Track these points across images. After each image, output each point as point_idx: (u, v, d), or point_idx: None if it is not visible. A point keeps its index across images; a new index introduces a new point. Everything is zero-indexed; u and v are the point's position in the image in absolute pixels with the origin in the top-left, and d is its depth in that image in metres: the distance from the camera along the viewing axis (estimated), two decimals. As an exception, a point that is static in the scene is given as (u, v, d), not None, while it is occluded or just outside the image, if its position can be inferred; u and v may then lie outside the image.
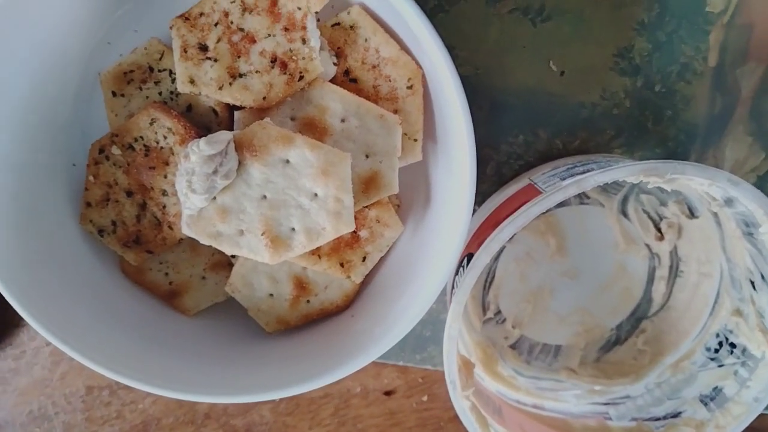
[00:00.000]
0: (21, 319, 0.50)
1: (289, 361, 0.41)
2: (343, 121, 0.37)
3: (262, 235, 0.35)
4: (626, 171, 0.36)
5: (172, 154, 0.38)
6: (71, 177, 0.41)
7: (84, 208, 0.40)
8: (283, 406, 0.53)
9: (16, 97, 0.37)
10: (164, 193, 0.38)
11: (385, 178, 0.38)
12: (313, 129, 0.37)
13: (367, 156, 0.37)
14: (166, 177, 0.38)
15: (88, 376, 0.51)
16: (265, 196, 0.36)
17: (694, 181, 0.37)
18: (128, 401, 0.52)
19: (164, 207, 0.39)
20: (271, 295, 0.41)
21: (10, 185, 0.38)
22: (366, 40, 0.38)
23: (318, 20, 0.37)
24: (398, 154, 0.38)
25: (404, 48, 0.38)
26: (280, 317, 0.42)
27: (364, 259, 0.39)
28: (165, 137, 0.37)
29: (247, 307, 0.41)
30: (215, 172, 0.34)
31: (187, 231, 0.36)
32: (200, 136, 0.37)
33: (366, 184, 0.38)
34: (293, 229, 0.36)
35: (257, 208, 0.35)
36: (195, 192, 0.35)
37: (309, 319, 0.42)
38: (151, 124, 0.37)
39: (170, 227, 0.39)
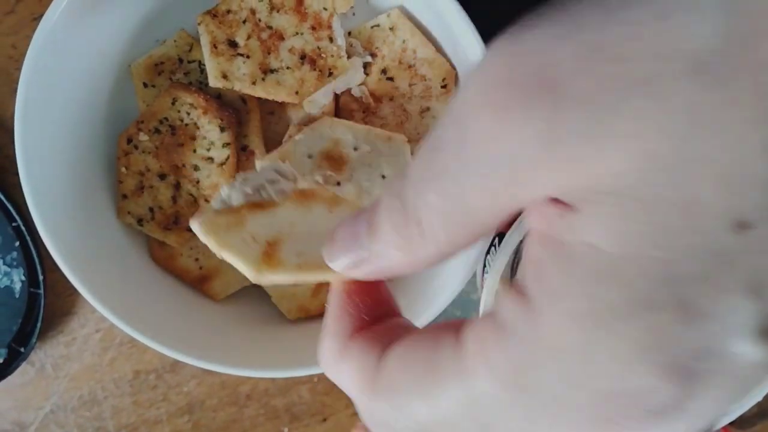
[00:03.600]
0: (72, 306, 0.53)
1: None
2: (356, 149, 0.40)
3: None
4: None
5: (197, 128, 0.39)
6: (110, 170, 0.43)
7: (120, 201, 0.42)
8: (321, 386, 0.55)
9: (63, 98, 0.39)
10: (196, 167, 0.40)
11: None
12: (332, 160, 0.39)
13: (383, 176, 0.40)
14: (195, 151, 0.40)
15: (135, 361, 0.54)
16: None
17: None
18: (173, 384, 0.55)
19: (198, 182, 0.40)
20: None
21: (63, 182, 0.40)
22: (404, 41, 0.40)
23: (352, 18, 0.39)
24: None
25: (439, 50, 0.40)
26: (302, 305, 0.44)
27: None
28: (188, 113, 0.39)
29: (271, 294, 0.43)
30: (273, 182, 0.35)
31: (194, 224, 0.31)
32: (221, 106, 0.39)
33: None
34: None
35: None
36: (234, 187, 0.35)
37: None
38: (173, 104, 0.39)
39: (207, 200, 0.41)
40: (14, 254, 0.49)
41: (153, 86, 0.41)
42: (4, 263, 0.50)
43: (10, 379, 0.52)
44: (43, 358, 0.53)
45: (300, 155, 0.39)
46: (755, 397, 0.45)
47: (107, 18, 0.38)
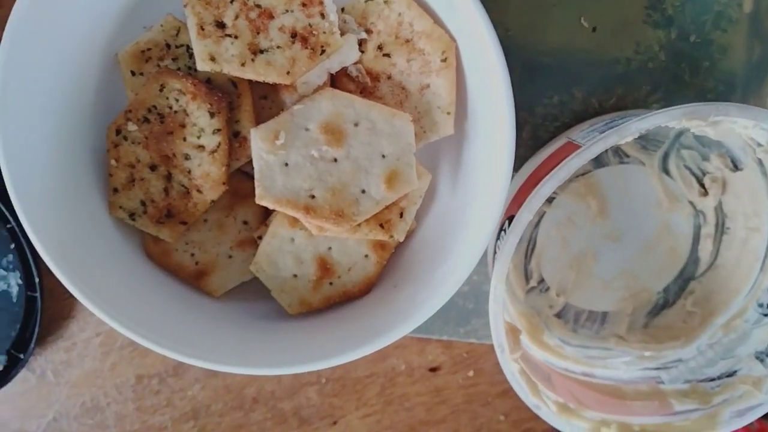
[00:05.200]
0: (71, 310, 0.51)
1: (336, 332, 0.41)
2: (356, 125, 0.38)
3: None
4: (667, 116, 0.35)
5: (187, 115, 0.38)
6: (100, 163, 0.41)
7: (111, 196, 0.40)
8: (329, 388, 0.53)
9: (45, 86, 0.38)
10: (186, 156, 0.38)
11: (403, 174, 0.38)
12: (330, 134, 0.37)
13: (383, 156, 0.38)
14: (185, 140, 0.38)
15: (137, 366, 0.52)
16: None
17: (738, 123, 0.36)
18: (177, 389, 0.53)
19: (189, 171, 0.39)
20: (295, 275, 0.41)
21: (51, 177, 0.39)
22: (399, 14, 0.38)
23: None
24: (413, 150, 0.38)
25: (437, 21, 0.38)
26: (303, 299, 0.42)
27: (401, 215, 0.39)
28: (177, 100, 0.38)
29: (270, 287, 0.41)
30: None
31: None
32: (210, 91, 0.37)
33: (388, 183, 0.38)
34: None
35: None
36: None
37: (330, 302, 0.42)
38: (161, 90, 0.38)
39: (199, 191, 0.39)
40: (10, 257, 0.48)
41: (141, 74, 0.39)
42: (0, 267, 0.48)
43: (10, 386, 0.51)
44: (43, 364, 0.52)
45: (296, 127, 0.37)
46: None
47: (89, 4, 0.37)
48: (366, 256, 0.42)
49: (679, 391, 0.47)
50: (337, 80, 0.39)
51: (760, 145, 0.40)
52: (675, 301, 0.50)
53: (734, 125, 0.36)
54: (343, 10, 0.38)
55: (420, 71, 0.38)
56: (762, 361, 0.44)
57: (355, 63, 0.39)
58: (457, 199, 0.42)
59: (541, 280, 0.49)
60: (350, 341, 0.39)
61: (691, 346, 0.48)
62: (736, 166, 0.45)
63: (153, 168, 0.39)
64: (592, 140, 0.37)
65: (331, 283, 0.42)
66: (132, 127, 0.38)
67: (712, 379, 0.46)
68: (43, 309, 0.48)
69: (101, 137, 0.40)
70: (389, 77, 0.39)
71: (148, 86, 0.38)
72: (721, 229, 0.48)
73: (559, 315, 0.50)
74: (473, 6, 0.34)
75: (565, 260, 0.49)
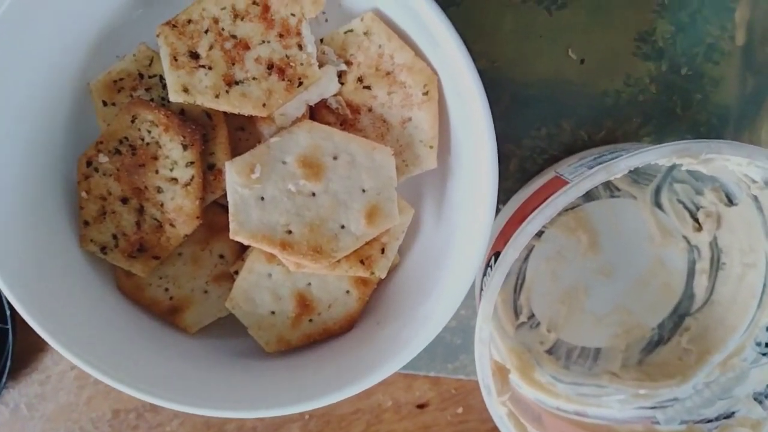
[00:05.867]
0: (45, 343, 0.50)
1: (318, 372, 0.40)
2: (335, 158, 0.36)
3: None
4: (657, 153, 0.34)
5: (159, 147, 0.37)
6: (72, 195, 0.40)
7: (83, 229, 0.39)
8: (313, 424, 0.51)
9: (14, 113, 0.36)
10: (159, 189, 0.37)
11: (384, 209, 0.37)
12: (309, 167, 0.36)
13: (364, 190, 0.36)
14: (157, 172, 0.37)
15: (114, 400, 0.51)
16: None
17: (731, 161, 0.35)
18: (155, 424, 0.51)
19: (162, 205, 0.38)
20: (273, 312, 0.40)
21: (18, 208, 0.37)
22: (380, 46, 0.37)
23: (322, 22, 0.37)
24: (394, 184, 0.37)
25: (419, 54, 0.37)
26: (281, 336, 0.40)
27: (383, 250, 0.38)
28: (149, 131, 0.37)
29: (247, 324, 0.40)
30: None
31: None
32: (183, 123, 0.36)
33: (368, 218, 0.37)
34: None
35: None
36: None
37: (310, 339, 0.41)
38: (132, 121, 0.37)
39: (172, 225, 0.38)
40: (-18, 288, 0.47)
41: (113, 104, 0.38)
42: (-29, 299, 0.47)
43: (-17, 421, 0.49)
44: (17, 397, 0.50)
45: (273, 160, 0.36)
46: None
47: (61, 32, 0.36)
48: (347, 292, 0.40)
49: (675, 433, 0.45)
50: (317, 112, 0.38)
51: (754, 181, 0.38)
52: (670, 338, 0.48)
53: (727, 162, 0.35)
54: (322, 41, 0.37)
55: (401, 104, 0.37)
56: (761, 402, 0.42)
57: (335, 95, 0.38)
58: (441, 234, 0.40)
59: (532, 316, 0.48)
60: (332, 382, 0.38)
61: (687, 384, 0.47)
62: (730, 201, 0.44)
63: (125, 201, 0.38)
64: (581, 176, 0.36)
65: (310, 320, 0.40)
66: (103, 158, 0.37)
67: (710, 420, 0.44)
68: (15, 341, 0.47)
69: (72, 168, 0.39)
70: (370, 110, 0.38)
71: (119, 117, 0.37)
72: (716, 264, 0.46)
73: (550, 351, 0.49)
74: (452, 39, 0.33)
75: (555, 295, 0.47)
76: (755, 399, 0.43)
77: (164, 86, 0.38)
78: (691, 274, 0.47)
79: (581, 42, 0.42)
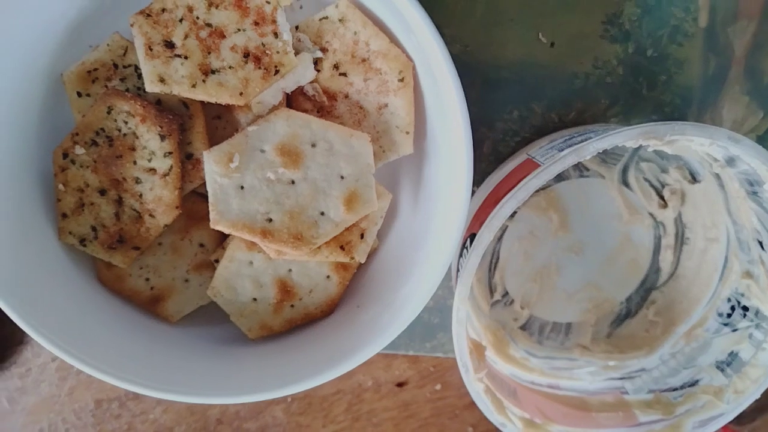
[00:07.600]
0: (24, 335, 0.49)
1: (300, 356, 0.40)
2: (313, 146, 0.37)
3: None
4: (624, 135, 0.35)
5: (136, 137, 0.37)
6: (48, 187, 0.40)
7: (60, 221, 0.38)
8: (295, 406, 0.52)
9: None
10: (137, 180, 0.37)
11: (363, 195, 0.37)
12: (286, 156, 0.36)
13: (342, 177, 0.37)
14: (135, 163, 0.37)
15: (96, 390, 0.51)
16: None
17: (694, 141, 0.36)
18: (138, 412, 0.51)
19: (141, 195, 0.37)
20: (255, 299, 0.40)
21: None
22: (355, 33, 0.37)
23: (297, 11, 0.37)
24: (372, 170, 0.38)
25: (394, 41, 0.37)
26: (264, 323, 0.41)
27: (362, 236, 0.39)
28: (126, 122, 0.36)
29: (229, 312, 0.40)
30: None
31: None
32: (160, 113, 0.36)
33: (347, 204, 0.37)
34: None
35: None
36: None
37: (292, 324, 0.41)
38: (108, 112, 0.36)
39: (151, 215, 0.38)
40: (-43, 283, 0.46)
41: (88, 95, 0.38)
42: (-53, 293, 0.46)
43: (-38, 416, 0.49)
44: (-4, 391, 0.50)
45: (251, 149, 0.36)
46: (754, 395, 0.43)
47: (31, 22, 0.35)
48: (328, 277, 0.41)
49: (643, 402, 0.47)
50: (293, 100, 0.38)
51: (716, 160, 0.40)
52: (637, 311, 0.50)
53: (691, 143, 0.36)
54: (297, 28, 0.37)
55: (377, 91, 0.38)
56: (722, 370, 0.45)
57: (311, 82, 0.38)
58: (418, 217, 0.41)
59: (506, 293, 0.49)
60: (314, 365, 0.39)
61: (654, 355, 0.49)
62: (694, 178, 0.45)
63: (103, 192, 0.38)
64: (552, 159, 0.37)
65: (292, 306, 0.41)
66: (79, 150, 0.37)
67: (675, 389, 0.46)
68: (-6, 336, 0.47)
69: (48, 161, 0.38)
70: (346, 96, 0.38)
71: (95, 108, 0.36)
72: (681, 239, 0.48)
73: (524, 327, 0.50)
74: (426, 26, 0.34)
75: (528, 273, 0.49)
76: (717, 367, 0.45)
77: (139, 76, 0.37)
78: (657, 249, 0.49)
79: (551, 25, 0.43)
